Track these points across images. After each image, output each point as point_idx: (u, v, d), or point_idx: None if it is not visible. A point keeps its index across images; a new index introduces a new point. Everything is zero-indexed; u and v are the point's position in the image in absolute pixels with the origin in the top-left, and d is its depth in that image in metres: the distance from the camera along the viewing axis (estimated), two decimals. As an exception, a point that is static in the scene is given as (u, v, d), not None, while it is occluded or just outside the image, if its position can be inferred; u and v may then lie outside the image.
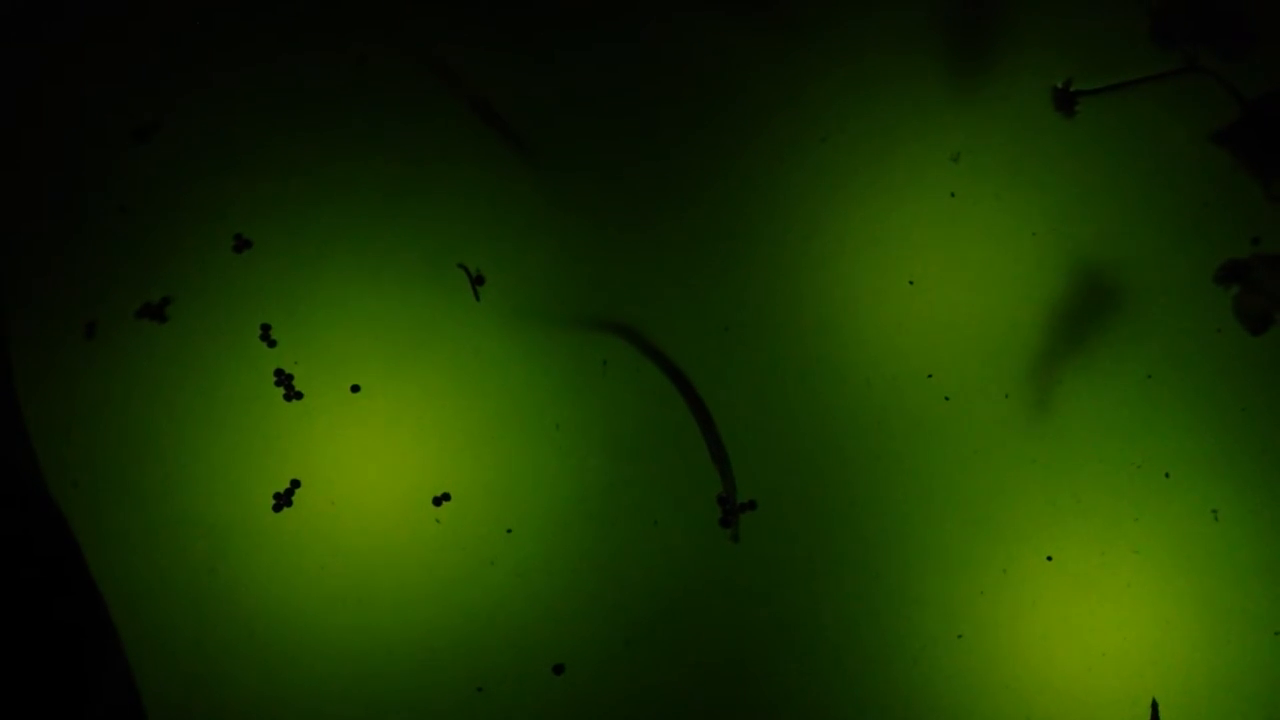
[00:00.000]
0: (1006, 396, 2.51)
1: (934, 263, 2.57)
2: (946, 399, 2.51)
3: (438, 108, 2.62)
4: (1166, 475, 2.47)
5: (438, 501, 2.47)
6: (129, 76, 2.62)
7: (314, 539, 2.48)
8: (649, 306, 2.56)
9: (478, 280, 2.54)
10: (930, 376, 2.52)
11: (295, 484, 2.47)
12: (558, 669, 2.43)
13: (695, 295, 2.57)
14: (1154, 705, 2.39)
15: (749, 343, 2.55)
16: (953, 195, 2.59)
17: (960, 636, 2.45)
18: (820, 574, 2.47)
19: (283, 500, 2.46)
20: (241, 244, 2.55)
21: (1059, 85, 2.62)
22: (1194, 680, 2.41)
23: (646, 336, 2.54)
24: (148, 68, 2.62)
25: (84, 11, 2.62)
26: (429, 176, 2.59)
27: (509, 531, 2.48)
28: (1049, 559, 2.46)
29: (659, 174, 2.60)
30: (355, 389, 2.53)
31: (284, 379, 2.50)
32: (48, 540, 2.36)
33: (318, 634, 2.46)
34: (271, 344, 2.51)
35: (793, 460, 2.50)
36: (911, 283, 2.57)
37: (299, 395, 2.51)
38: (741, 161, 2.61)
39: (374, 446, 2.52)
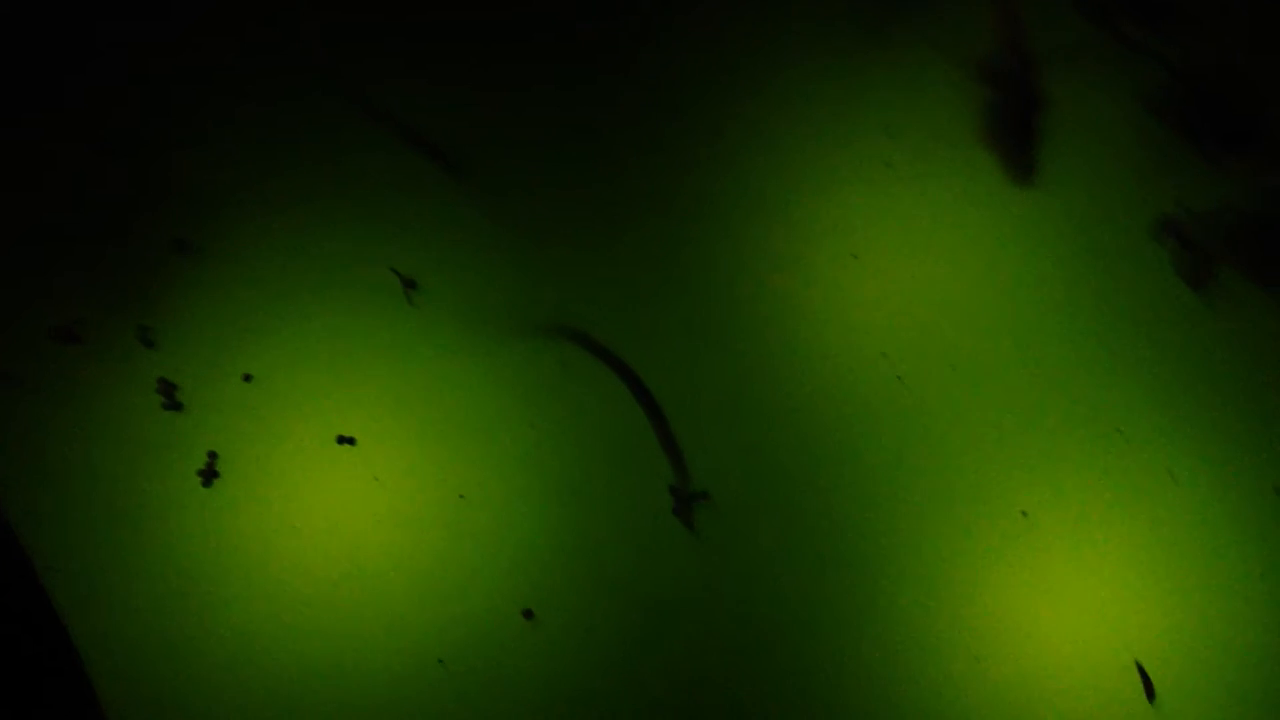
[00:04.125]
0: (953, 368, 2.48)
1: (876, 236, 2.56)
2: (899, 378, 2.48)
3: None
4: (1119, 431, 2.45)
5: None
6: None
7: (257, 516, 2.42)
8: (596, 306, 2.53)
9: (409, 284, 2.49)
10: (884, 355, 2.49)
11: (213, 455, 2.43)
12: (518, 637, 2.36)
13: (639, 291, 2.55)
14: (1140, 668, 2.35)
15: (696, 333, 2.52)
16: (889, 166, 2.58)
17: (929, 606, 2.40)
18: (785, 554, 2.43)
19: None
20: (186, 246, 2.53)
21: (984, 57, 2.63)
22: (1169, 638, 2.38)
23: (595, 336, 2.50)
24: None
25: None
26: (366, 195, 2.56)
27: (461, 497, 2.44)
28: (1023, 514, 2.42)
29: (597, 177, 2.59)
30: (247, 378, 2.50)
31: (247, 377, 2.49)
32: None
33: (272, 614, 2.40)
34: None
35: (752, 448, 2.46)
36: (855, 256, 2.55)
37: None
38: (679, 152, 2.60)
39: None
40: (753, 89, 2.66)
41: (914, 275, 2.55)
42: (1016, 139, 2.59)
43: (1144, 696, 2.36)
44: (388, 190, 2.61)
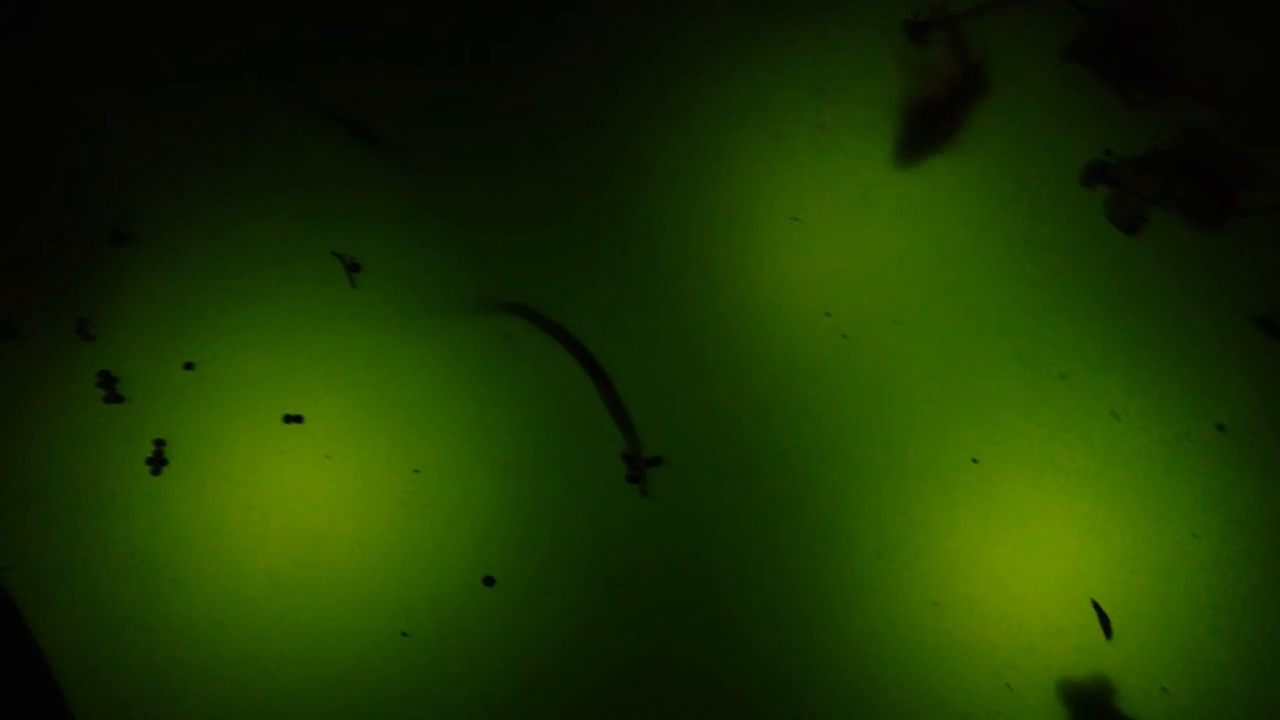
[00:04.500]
0: (896, 323, 2.51)
1: (814, 199, 2.58)
2: (844, 336, 2.50)
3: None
4: (1062, 376, 2.49)
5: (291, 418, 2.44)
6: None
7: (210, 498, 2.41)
8: (539, 279, 2.54)
9: (353, 268, 2.48)
10: (828, 314, 2.51)
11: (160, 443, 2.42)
12: (480, 604, 2.35)
13: (581, 262, 2.55)
14: (1096, 606, 2.38)
15: (643, 302, 2.52)
16: (822, 128, 2.61)
17: (880, 557, 2.42)
18: (742, 512, 2.44)
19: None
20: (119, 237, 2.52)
21: (909, 17, 2.66)
22: (1122, 575, 2.41)
23: (539, 309, 2.51)
24: None
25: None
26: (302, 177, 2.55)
27: (416, 471, 2.44)
28: (974, 460, 2.45)
29: (534, 152, 2.59)
30: (189, 365, 2.49)
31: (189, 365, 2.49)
32: None
33: (233, 597, 2.39)
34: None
35: (702, 412, 2.47)
36: (796, 219, 2.57)
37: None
38: (615, 125, 2.61)
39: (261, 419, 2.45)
40: (687, 58, 2.67)
41: (853, 235, 2.58)
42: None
43: (1102, 634, 2.39)
44: (325, 175, 2.60)
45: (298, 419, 2.44)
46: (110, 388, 2.42)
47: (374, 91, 2.63)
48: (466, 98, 2.64)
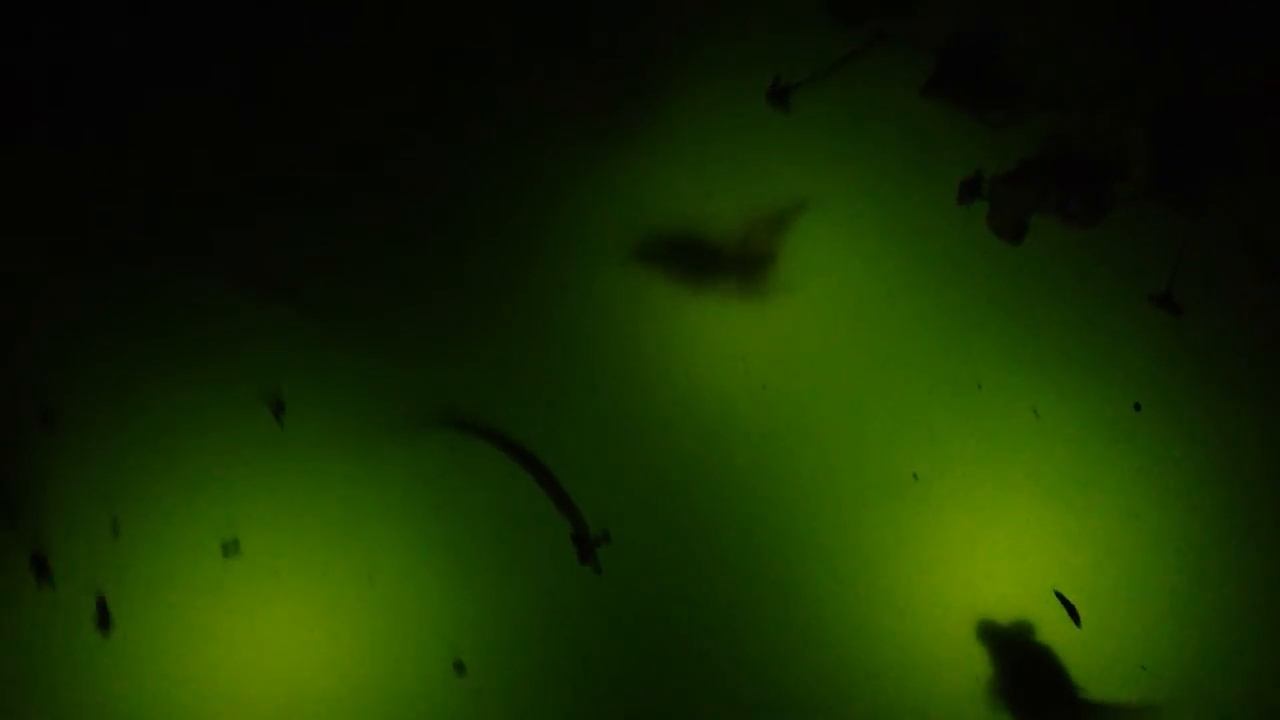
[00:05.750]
0: (812, 366, 2.58)
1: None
2: (764, 386, 2.58)
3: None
4: (979, 385, 2.56)
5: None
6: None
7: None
8: (459, 387, 2.61)
9: (278, 409, 2.56)
10: (745, 367, 2.59)
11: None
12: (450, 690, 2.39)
13: (496, 364, 2.63)
14: (1059, 596, 2.41)
15: (559, 386, 2.61)
16: (709, 195, 2.72)
17: (842, 577, 2.46)
18: (691, 571, 2.49)
19: None
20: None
21: (770, 84, 2.80)
22: (1075, 563, 2.45)
23: (467, 415, 2.58)
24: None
25: None
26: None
27: (370, 580, 2.48)
28: (915, 476, 2.51)
29: (437, 270, 2.69)
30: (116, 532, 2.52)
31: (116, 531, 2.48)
32: None
33: None
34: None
35: (640, 482, 2.55)
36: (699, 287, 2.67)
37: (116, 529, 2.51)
38: (517, 235, 2.72)
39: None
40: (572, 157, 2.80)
41: (755, 291, 2.67)
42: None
43: (1071, 623, 2.41)
44: (244, 333, 2.69)
45: (235, 548, 2.48)
46: (42, 566, 2.46)
47: (278, 248, 2.73)
48: (355, 242, 2.75)
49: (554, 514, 2.52)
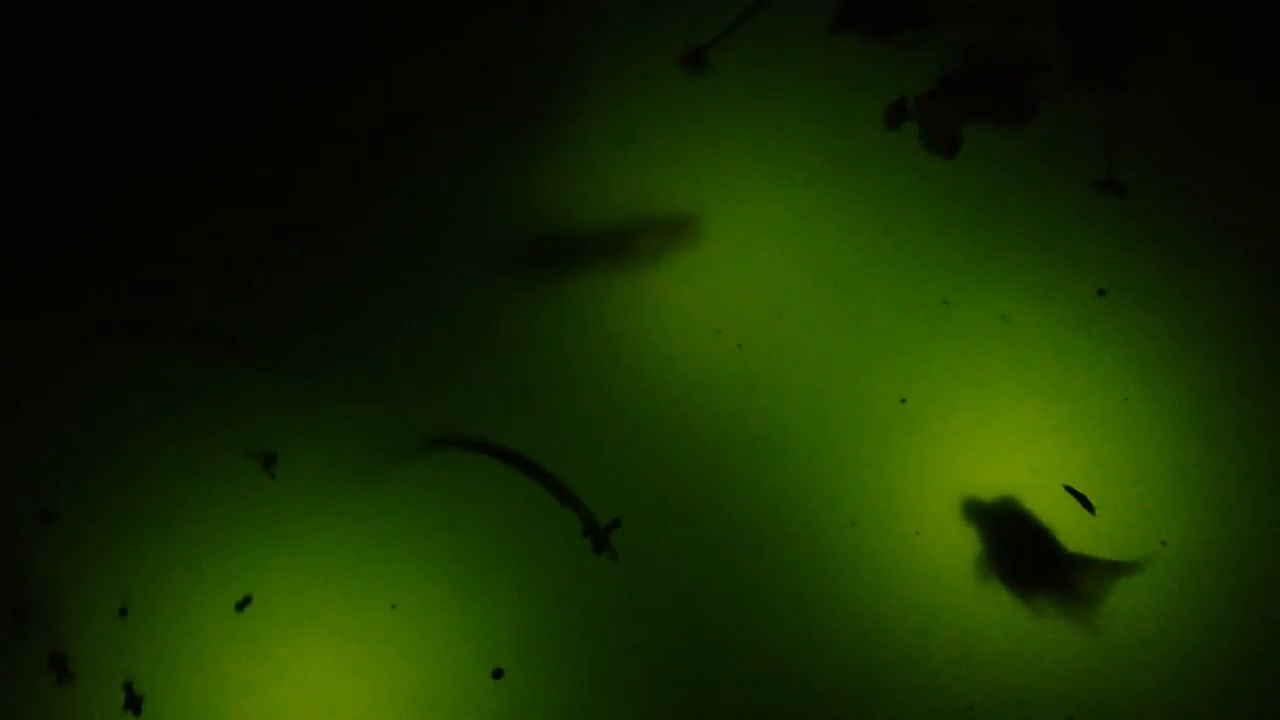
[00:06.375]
0: (780, 318, 2.59)
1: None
2: (739, 346, 2.58)
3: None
4: (946, 302, 2.58)
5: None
6: None
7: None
8: (445, 409, 2.60)
9: (268, 461, 2.54)
10: (719, 331, 2.60)
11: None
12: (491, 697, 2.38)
13: (481, 376, 2.63)
14: (1070, 489, 2.43)
15: (543, 388, 2.60)
16: (633, 140, 2.73)
17: (853, 523, 2.47)
18: (703, 540, 2.49)
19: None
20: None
21: (680, 51, 2.81)
22: (1072, 453, 2.47)
23: (458, 433, 2.57)
24: None
25: None
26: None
27: (394, 608, 2.46)
28: (902, 400, 2.52)
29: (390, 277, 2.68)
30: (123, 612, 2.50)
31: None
32: None
33: None
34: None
35: (642, 464, 2.54)
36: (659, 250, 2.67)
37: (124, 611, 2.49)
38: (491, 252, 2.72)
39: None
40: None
41: (715, 251, 2.68)
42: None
43: (1086, 512, 2.43)
44: (219, 396, 2.68)
45: (248, 601, 2.46)
46: (62, 667, 2.43)
47: (242, 305, 2.72)
48: (322, 297, 2.74)
49: (562, 510, 2.51)
